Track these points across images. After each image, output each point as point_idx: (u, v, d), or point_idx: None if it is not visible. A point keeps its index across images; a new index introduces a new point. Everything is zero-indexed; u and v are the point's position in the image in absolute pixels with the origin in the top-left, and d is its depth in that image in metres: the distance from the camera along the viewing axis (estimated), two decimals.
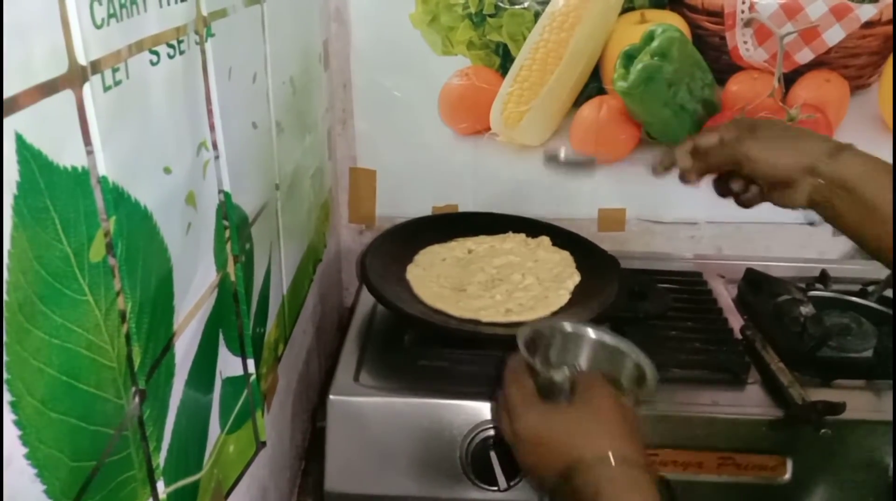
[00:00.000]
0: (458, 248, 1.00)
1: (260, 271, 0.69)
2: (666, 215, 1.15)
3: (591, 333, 0.68)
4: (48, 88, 0.33)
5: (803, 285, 0.97)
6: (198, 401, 0.54)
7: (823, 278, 1.01)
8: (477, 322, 0.84)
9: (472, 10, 1.04)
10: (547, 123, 1.10)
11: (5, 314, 0.30)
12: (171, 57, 0.46)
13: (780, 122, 0.75)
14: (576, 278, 0.93)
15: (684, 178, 0.73)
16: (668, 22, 1.03)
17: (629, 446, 0.55)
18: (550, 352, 0.67)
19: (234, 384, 0.62)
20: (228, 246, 0.59)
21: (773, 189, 0.69)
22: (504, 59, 1.07)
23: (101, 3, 0.37)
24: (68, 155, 0.35)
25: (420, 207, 1.14)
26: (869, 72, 1.05)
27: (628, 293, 0.90)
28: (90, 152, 0.37)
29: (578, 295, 0.89)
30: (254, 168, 0.67)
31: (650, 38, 1.03)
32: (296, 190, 0.84)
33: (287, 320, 0.82)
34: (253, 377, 0.65)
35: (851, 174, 0.64)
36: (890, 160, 0.66)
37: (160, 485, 0.47)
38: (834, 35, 1.01)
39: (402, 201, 1.15)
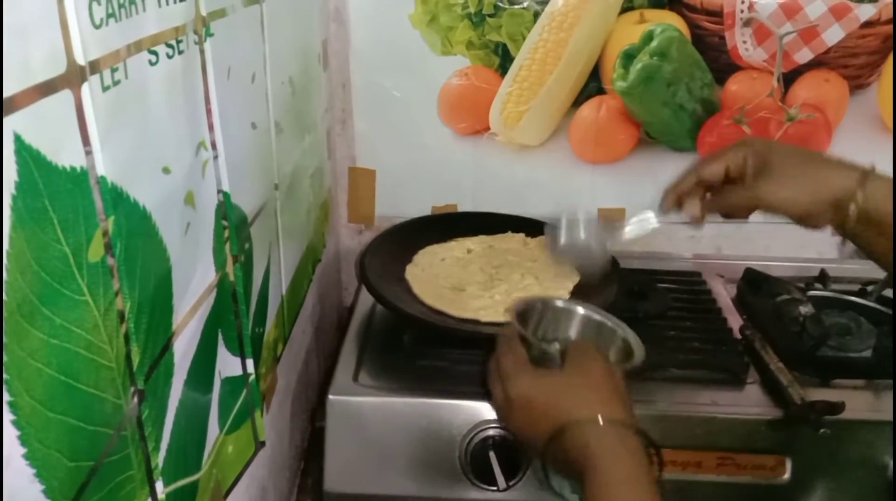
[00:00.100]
0: (457, 248, 1.00)
1: (259, 271, 0.69)
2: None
3: (581, 309, 0.70)
4: (47, 88, 0.33)
5: (802, 285, 0.97)
6: (197, 401, 0.54)
7: (822, 277, 1.01)
8: (476, 322, 0.84)
9: (472, 10, 1.04)
10: (546, 123, 1.10)
11: (4, 314, 0.30)
12: (169, 57, 0.46)
13: (793, 148, 0.67)
14: (575, 277, 0.93)
15: (692, 220, 0.71)
16: (668, 22, 1.03)
17: (618, 408, 0.57)
18: (541, 327, 0.69)
19: (233, 384, 0.62)
20: (227, 246, 0.59)
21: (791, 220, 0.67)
22: (503, 59, 1.07)
23: (99, 3, 0.36)
24: (67, 155, 0.35)
25: (419, 207, 1.14)
26: (868, 72, 1.05)
27: (627, 293, 0.90)
28: (89, 152, 0.37)
29: (578, 295, 0.89)
30: (253, 168, 0.67)
31: (649, 37, 1.03)
32: (295, 190, 0.84)
33: (286, 320, 0.82)
34: (252, 377, 0.65)
35: (878, 206, 0.61)
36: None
37: (159, 485, 0.47)
38: (833, 35, 1.01)
39: (401, 201, 1.15)
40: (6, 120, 0.30)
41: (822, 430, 0.73)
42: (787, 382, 0.78)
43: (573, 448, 0.55)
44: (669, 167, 1.11)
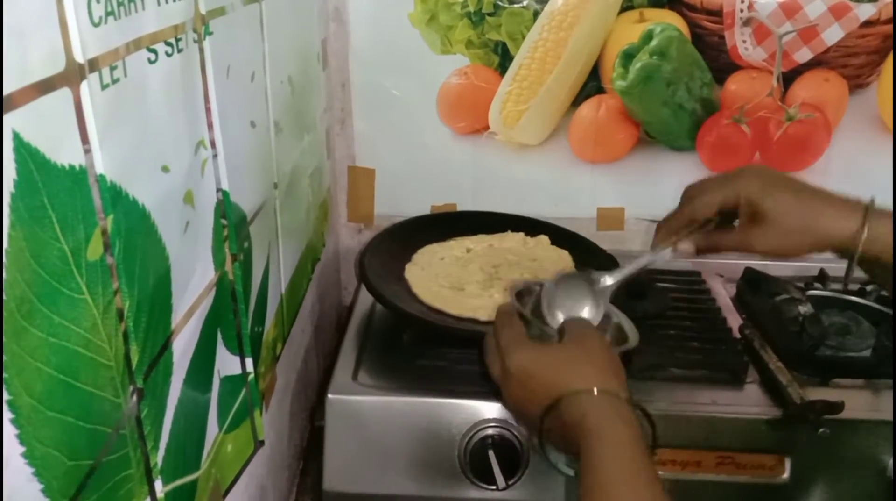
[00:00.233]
0: (456, 247, 1.00)
1: (258, 269, 0.69)
2: (665, 213, 1.15)
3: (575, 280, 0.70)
4: (45, 86, 0.33)
5: (802, 285, 0.97)
6: (196, 400, 0.54)
7: (822, 277, 1.01)
8: (475, 321, 0.84)
9: (471, 8, 1.04)
10: (545, 123, 1.10)
11: (3, 312, 0.30)
12: (169, 55, 0.46)
13: (789, 192, 0.64)
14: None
15: (685, 255, 0.71)
16: (667, 21, 1.03)
17: (614, 381, 0.57)
18: (538, 310, 0.68)
19: (233, 383, 0.62)
20: (227, 245, 0.59)
21: None
22: (503, 59, 1.07)
23: (98, 1, 0.36)
24: (66, 153, 0.35)
25: (419, 206, 1.14)
26: (868, 71, 1.05)
27: (627, 292, 0.90)
28: (88, 151, 0.37)
29: None
30: (252, 167, 0.67)
31: (649, 37, 1.03)
32: (294, 189, 0.84)
33: (285, 319, 0.82)
34: (251, 376, 0.65)
35: (881, 248, 0.60)
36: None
37: (158, 484, 0.47)
38: (833, 34, 1.01)
39: (400, 200, 1.15)
40: (5, 118, 0.30)
41: (821, 430, 0.73)
42: (787, 381, 0.78)
43: (569, 418, 0.56)
44: (669, 167, 1.12)
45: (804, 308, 0.88)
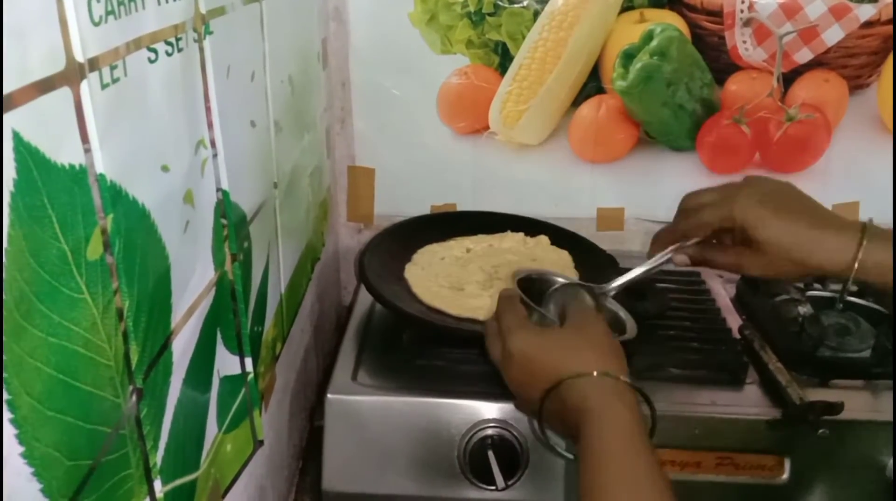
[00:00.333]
0: (456, 247, 1.00)
1: (258, 269, 0.69)
2: (665, 214, 1.14)
3: (578, 288, 0.72)
4: (45, 86, 0.32)
5: (801, 285, 0.97)
6: (195, 400, 0.54)
7: (822, 278, 1.01)
8: (475, 321, 0.84)
9: (471, 8, 1.04)
10: (545, 123, 1.10)
11: (2, 312, 0.30)
12: (169, 55, 0.46)
13: (784, 216, 0.64)
14: (574, 277, 0.92)
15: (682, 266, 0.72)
16: (668, 21, 1.03)
17: (615, 364, 0.58)
18: (541, 296, 0.70)
19: (232, 383, 0.62)
20: (226, 245, 0.59)
21: None
22: (503, 58, 1.07)
23: (98, 1, 0.36)
24: (66, 153, 0.34)
25: (418, 206, 1.14)
26: (868, 72, 1.05)
27: (626, 293, 0.90)
28: (88, 150, 0.36)
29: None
30: (252, 167, 0.67)
31: (649, 37, 1.03)
32: (294, 189, 0.84)
33: (285, 318, 0.81)
34: (251, 376, 0.65)
35: (875, 274, 0.61)
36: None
37: (157, 484, 0.47)
38: (833, 35, 1.01)
39: (400, 200, 1.15)
40: (5, 117, 0.30)
41: (820, 430, 0.73)
42: (786, 382, 0.78)
43: (570, 401, 0.56)
44: (669, 167, 1.12)
45: (804, 309, 0.88)
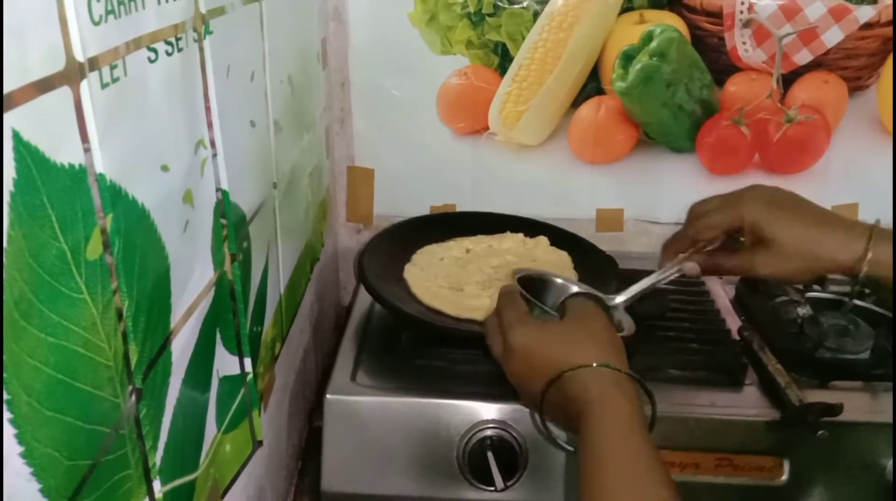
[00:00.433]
0: (455, 247, 1.00)
1: (257, 269, 0.69)
2: (664, 215, 1.15)
3: (576, 287, 0.71)
4: (45, 85, 0.32)
5: (801, 287, 0.97)
6: (194, 400, 0.54)
7: (821, 279, 1.01)
8: (474, 322, 0.84)
9: (471, 9, 1.04)
10: (545, 123, 1.10)
11: (2, 312, 0.30)
12: (169, 54, 0.46)
13: (792, 215, 0.65)
14: (574, 278, 0.92)
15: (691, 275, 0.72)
16: (667, 22, 1.03)
17: (615, 356, 0.59)
18: (542, 293, 0.70)
19: (231, 383, 0.62)
20: (226, 245, 0.59)
21: None
22: (503, 59, 1.07)
23: (98, 0, 0.36)
24: (65, 152, 0.34)
25: (418, 206, 1.14)
26: (867, 73, 1.05)
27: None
28: (87, 150, 0.36)
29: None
30: (252, 167, 0.67)
31: (649, 38, 1.03)
32: (293, 189, 0.84)
33: (284, 319, 0.81)
34: (250, 376, 0.65)
35: (883, 273, 0.61)
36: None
37: (156, 484, 0.47)
38: (832, 36, 1.01)
39: (400, 201, 1.15)
40: (5, 117, 0.30)
41: (820, 432, 0.73)
42: (786, 383, 0.78)
43: (570, 393, 0.57)
44: (668, 168, 1.12)
45: (803, 310, 0.88)
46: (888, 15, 1.00)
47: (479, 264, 0.95)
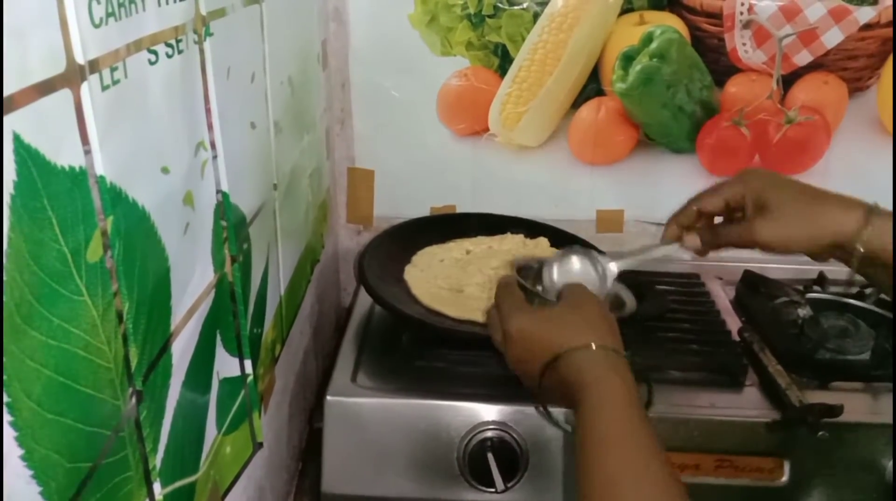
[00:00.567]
0: (456, 249, 1.00)
1: (257, 271, 0.69)
2: (664, 216, 1.14)
3: (574, 256, 0.70)
4: (46, 87, 0.32)
5: (801, 288, 0.97)
6: (195, 402, 0.54)
7: (821, 280, 1.01)
8: (475, 323, 0.84)
9: (471, 10, 1.04)
10: (545, 124, 1.10)
11: (2, 314, 0.30)
12: (169, 56, 0.46)
13: (793, 187, 0.66)
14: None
15: (693, 252, 0.72)
16: (667, 23, 1.03)
17: (611, 339, 0.60)
18: (538, 284, 0.70)
19: (231, 385, 0.62)
20: (226, 246, 0.59)
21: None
22: (503, 60, 1.07)
23: (99, 2, 0.36)
24: (66, 155, 0.34)
25: (418, 207, 1.14)
26: (867, 74, 1.05)
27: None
28: (88, 152, 0.36)
29: None
30: (252, 168, 0.67)
31: (649, 39, 1.03)
32: (294, 190, 0.84)
33: (284, 320, 0.81)
34: (250, 378, 0.65)
35: (882, 247, 0.60)
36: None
37: (157, 486, 0.47)
38: (832, 37, 1.01)
39: (400, 202, 1.15)
40: (5, 119, 0.30)
41: (820, 433, 0.73)
42: (786, 384, 0.78)
43: (567, 374, 0.58)
44: (668, 169, 1.12)
45: (803, 311, 0.88)
46: (888, 16, 1.00)
47: (480, 265, 0.95)
